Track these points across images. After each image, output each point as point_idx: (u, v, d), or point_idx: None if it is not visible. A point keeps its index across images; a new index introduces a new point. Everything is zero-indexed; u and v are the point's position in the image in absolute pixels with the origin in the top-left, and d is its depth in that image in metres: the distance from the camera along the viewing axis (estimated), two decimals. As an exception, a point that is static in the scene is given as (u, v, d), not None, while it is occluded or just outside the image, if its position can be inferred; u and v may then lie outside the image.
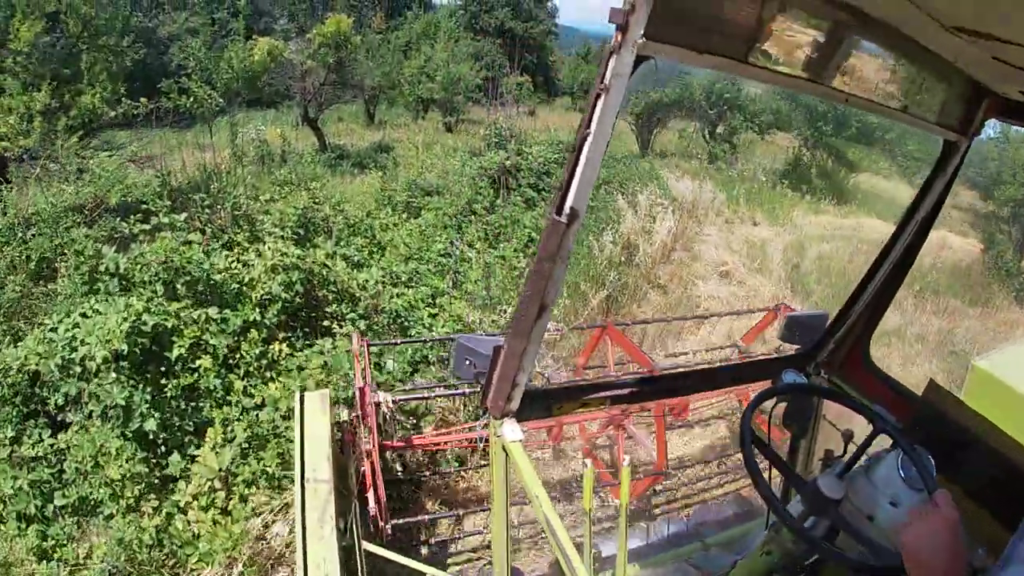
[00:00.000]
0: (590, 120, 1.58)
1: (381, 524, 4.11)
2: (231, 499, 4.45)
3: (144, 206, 6.48)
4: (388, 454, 5.06)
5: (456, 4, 45.46)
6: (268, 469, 4.52)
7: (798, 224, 17.79)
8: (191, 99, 9.43)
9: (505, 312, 7.04)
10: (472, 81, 25.43)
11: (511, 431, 2.14)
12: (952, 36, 1.75)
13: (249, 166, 14.67)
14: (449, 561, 4.98)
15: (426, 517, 5.04)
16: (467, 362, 2.23)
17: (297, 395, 4.10)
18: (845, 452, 2.20)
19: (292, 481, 4.53)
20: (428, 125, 25.77)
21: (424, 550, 4.86)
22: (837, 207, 20.86)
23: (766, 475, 2.07)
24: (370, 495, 4.03)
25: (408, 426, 5.41)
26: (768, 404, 2.41)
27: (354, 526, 3.86)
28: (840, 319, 2.98)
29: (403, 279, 6.93)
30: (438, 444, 5.17)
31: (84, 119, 11.46)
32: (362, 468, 4.21)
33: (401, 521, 4.66)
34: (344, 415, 4.59)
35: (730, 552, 4.29)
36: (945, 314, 13.44)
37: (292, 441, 4.60)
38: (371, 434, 4.24)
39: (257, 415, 4.84)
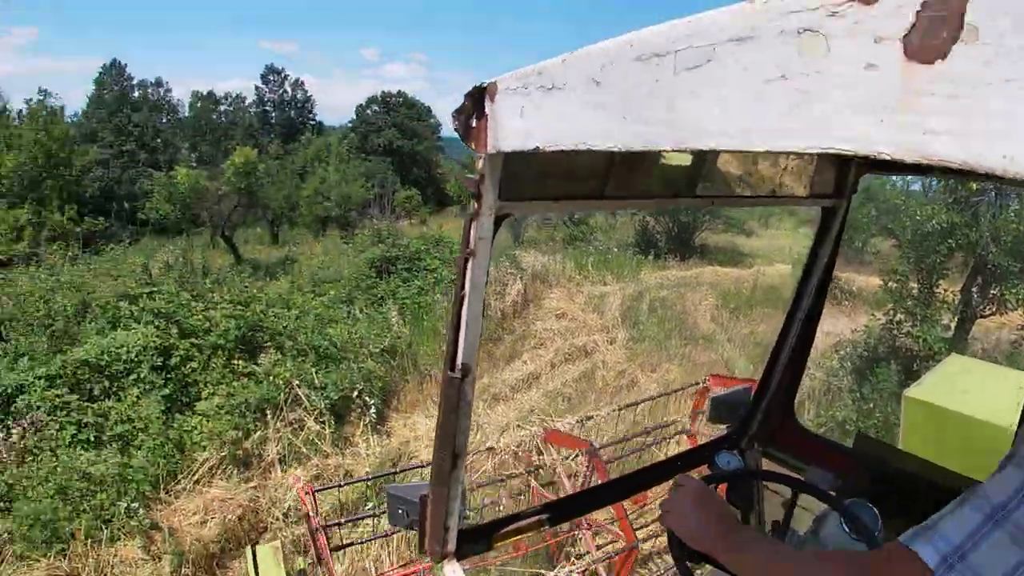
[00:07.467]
0: (463, 283, 1.58)
1: None
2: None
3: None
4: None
5: (347, 126, 49.98)
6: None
7: (643, 280, 20.72)
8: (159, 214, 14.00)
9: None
10: (363, 197, 29.59)
11: (452, 573, 2.12)
12: None
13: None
14: None
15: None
16: (399, 511, 2.17)
17: (248, 550, 4.15)
18: (790, 518, 2.33)
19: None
20: (328, 241, 29.44)
21: None
22: (680, 263, 24.59)
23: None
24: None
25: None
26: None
27: None
28: (761, 391, 3.00)
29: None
30: None
31: (57, 232, 16.47)
32: None
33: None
34: (300, 563, 4.90)
35: None
36: (757, 321, 16.97)
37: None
38: None
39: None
